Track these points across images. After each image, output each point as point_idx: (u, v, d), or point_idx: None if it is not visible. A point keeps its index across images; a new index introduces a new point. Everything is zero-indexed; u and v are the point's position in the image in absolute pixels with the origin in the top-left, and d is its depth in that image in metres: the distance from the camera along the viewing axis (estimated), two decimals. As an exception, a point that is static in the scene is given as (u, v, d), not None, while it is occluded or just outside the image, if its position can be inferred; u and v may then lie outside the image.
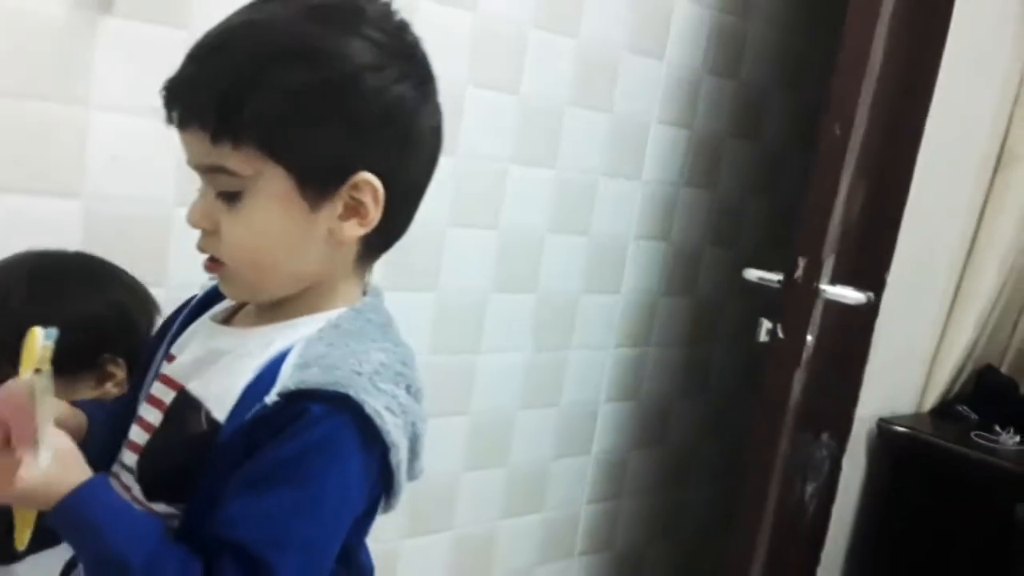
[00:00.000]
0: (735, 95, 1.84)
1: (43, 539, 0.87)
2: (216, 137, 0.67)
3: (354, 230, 0.71)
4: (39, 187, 1.10)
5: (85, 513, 0.65)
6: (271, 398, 0.67)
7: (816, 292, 1.39)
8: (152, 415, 0.75)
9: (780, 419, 1.49)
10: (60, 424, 0.71)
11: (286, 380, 0.67)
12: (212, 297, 0.82)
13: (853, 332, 1.62)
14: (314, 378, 0.67)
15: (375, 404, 0.67)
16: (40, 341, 0.67)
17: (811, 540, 1.73)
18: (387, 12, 0.72)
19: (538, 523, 1.80)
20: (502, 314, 1.60)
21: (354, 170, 0.69)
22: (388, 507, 0.77)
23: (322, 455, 0.66)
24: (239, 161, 0.67)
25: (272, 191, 0.68)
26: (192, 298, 0.83)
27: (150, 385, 0.77)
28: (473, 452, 1.64)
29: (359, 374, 0.68)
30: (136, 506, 0.71)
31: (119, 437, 0.77)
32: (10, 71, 1.05)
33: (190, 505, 0.69)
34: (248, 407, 0.68)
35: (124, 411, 0.79)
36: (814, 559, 1.73)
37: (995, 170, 1.87)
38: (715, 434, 2.08)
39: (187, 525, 0.69)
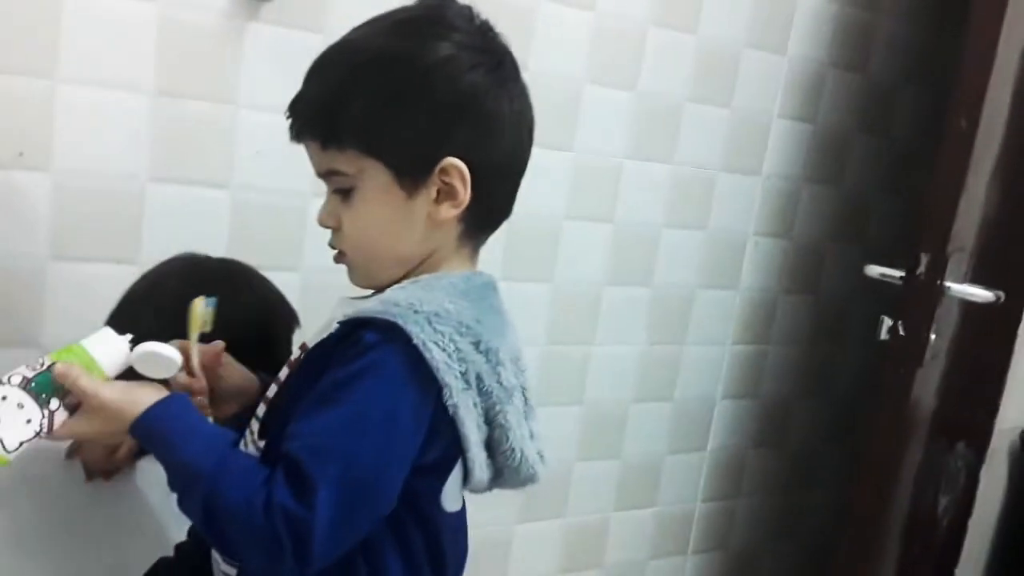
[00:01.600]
0: (862, 89, 1.80)
1: None
2: (325, 144, 0.78)
3: (448, 211, 0.79)
4: (192, 178, 1.21)
5: (157, 427, 0.73)
6: (335, 325, 0.75)
7: (940, 290, 1.35)
8: (284, 374, 0.85)
9: (901, 421, 1.45)
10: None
11: (350, 311, 0.76)
12: None
13: (993, 337, 1.55)
14: (370, 307, 0.75)
15: (424, 337, 0.72)
16: (201, 308, 0.80)
17: (945, 554, 1.66)
18: (464, 13, 0.80)
19: (651, 517, 1.81)
20: (616, 307, 1.63)
21: (440, 157, 0.77)
22: (468, 474, 0.80)
23: (370, 378, 0.72)
24: (345, 162, 0.78)
25: (375, 184, 0.78)
26: None
27: None
28: (586, 442, 1.68)
29: (416, 312, 0.74)
30: (210, 423, 0.79)
31: None
32: (170, 74, 1.17)
33: (272, 429, 0.77)
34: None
35: None
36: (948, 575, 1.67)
37: None
38: (839, 436, 2.03)
39: (267, 446, 0.77)
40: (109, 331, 0.79)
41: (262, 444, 0.80)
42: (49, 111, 1.11)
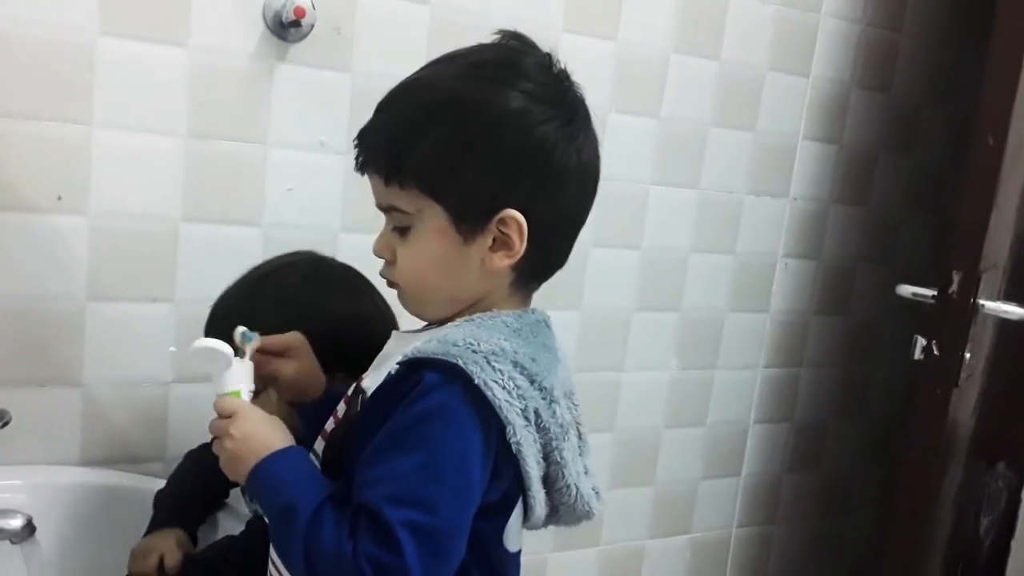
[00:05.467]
0: (886, 109, 1.79)
1: None
2: (388, 180, 0.78)
3: (502, 260, 0.78)
4: (225, 217, 1.24)
5: (279, 470, 0.75)
6: (394, 367, 0.75)
7: (974, 307, 1.33)
8: (341, 409, 0.84)
9: (938, 442, 1.43)
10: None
11: (408, 351, 0.75)
12: None
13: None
14: (430, 348, 0.74)
15: (484, 377, 0.72)
16: (239, 339, 0.81)
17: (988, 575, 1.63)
18: (542, 62, 0.80)
19: (686, 544, 1.80)
20: (646, 333, 1.63)
21: (500, 207, 0.76)
22: (528, 511, 0.80)
23: (436, 421, 0.71)
24: (406, 200, 0.77)
25: (432, 226, 0.77)
26: None
27: None
28: (619, 469, 1.67)
29: (474, 351, 0.73)
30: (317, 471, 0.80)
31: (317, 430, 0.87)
32: (201, 116, 1.19)
33: (344, 474, 0.77)
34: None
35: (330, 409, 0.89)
36: (992, 597, 1.63)
37: None
38: (875, 458, 2.00)
39: (342, 491, 0.76)
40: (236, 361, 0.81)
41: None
42: (86, 156, 1.14)
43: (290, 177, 1.26)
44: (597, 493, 0.84)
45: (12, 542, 1.04)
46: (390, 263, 0.81)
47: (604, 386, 1.62)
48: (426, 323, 0.89)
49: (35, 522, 1.04)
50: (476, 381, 0.72)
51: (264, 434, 0.77)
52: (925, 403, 1.42)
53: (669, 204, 1.59)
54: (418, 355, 0.74)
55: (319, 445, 0.84)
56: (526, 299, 0.85)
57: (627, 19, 1.47)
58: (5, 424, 1.09)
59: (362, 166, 0.80)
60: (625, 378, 1.63)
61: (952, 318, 1.35)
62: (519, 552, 0.84)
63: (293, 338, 0.91)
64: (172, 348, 1.21)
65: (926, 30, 1.79)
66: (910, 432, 1.50)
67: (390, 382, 0.76)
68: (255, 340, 0.83)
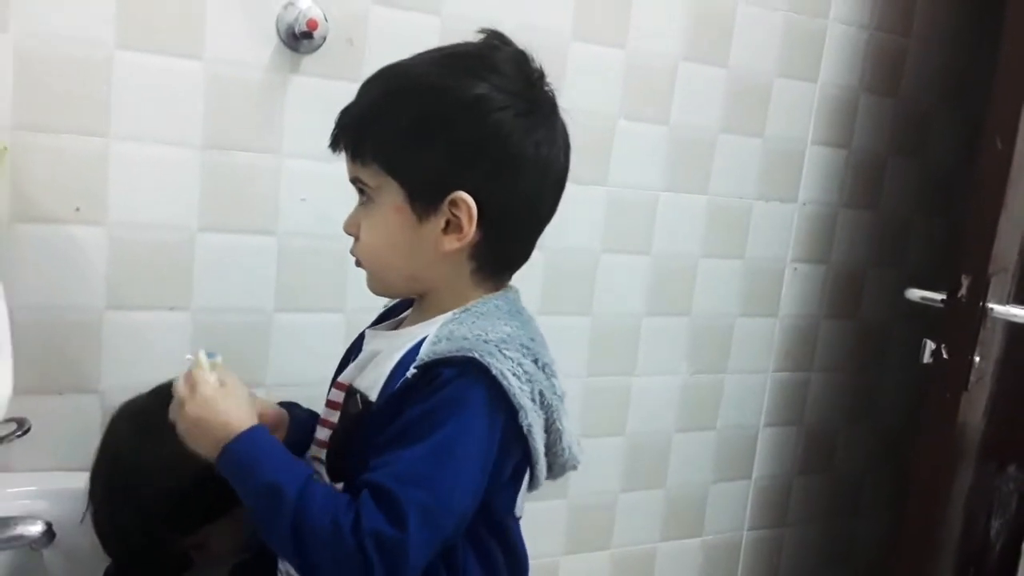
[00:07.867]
0: (895, 113, 1.79)
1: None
2: (353, 155, 0.83)
3: (452, 244, 0.81)
4: (240, 226, 1.25)
5: (254, 448, 0.77)
6: (411, 372, 0.77)
7: (984, 311, 1.33)
8: (332, 416, 0.87)
9: (949, 445, 1.43)
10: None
11: (422, 355, 0.78)
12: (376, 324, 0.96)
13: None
14: (444, 348, 0.77)
15: (500, 367, 0.75)
16: (205, 361, 0.85)
17: (999, 579, 1.63)
18: (516, 58, 0.82)
19: (698, 547, 1.80)
20: (656, 337, 1.63)
21: (452, 189, 0.79)
22: (534, 480, 0.84)
23: (448, 409, 0.74)
24: (368, 176, 0.82)
25: (390, 202, 0.81)
26: (362, 332, 0.96)
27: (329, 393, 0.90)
28: (630, 473, 1.68)
29: (486, 342, 0.77)
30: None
31: (309, 437, 0.89)
32: (217, 128, 1.21)
33: (350, 473, 0.79)
34: (393, 384, 0.79)
35: (314, 419, 0.92)
36: (1004, 600, 1.63)
37: None
38: (886, 461, 2.00)
39: (347, 486, 0.78)
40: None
41: (340, 486, 0.81)
42: (104, 168, 1.16)
43: (304, 187, 1.28)
44: (578, 443, 0.88)
45: (32, 548, 1.05)
46: (357, 240, 0.85)
47: (615, 391, 1.62)
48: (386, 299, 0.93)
49: (55, 528, 1.05)
50: (494, 372, 0.75)
51: (226, 409, 0.79)
52: (935, 407, 1.42)
53: (679, 210, 1.60)
54: (435, 358, 0.76)
55: (318, 452, 0.86)
56: (495, 289, 0.87)
57: (636, 27, 1.48)
58: (25, 432, 1.10)
59: (333, 142, 0.85)
60: (636, 383, 1.64)
61: (961, 322, 1.35)
62: (520, 517, 0.89)
63: (277, 415, 0.92)
64: (188, 356, 1.22)
65: (934, 34, 1.79)
66: (920, 435, 1.51)
67: (405, 386, 0.78)
68: (217, 357, 0.86)
